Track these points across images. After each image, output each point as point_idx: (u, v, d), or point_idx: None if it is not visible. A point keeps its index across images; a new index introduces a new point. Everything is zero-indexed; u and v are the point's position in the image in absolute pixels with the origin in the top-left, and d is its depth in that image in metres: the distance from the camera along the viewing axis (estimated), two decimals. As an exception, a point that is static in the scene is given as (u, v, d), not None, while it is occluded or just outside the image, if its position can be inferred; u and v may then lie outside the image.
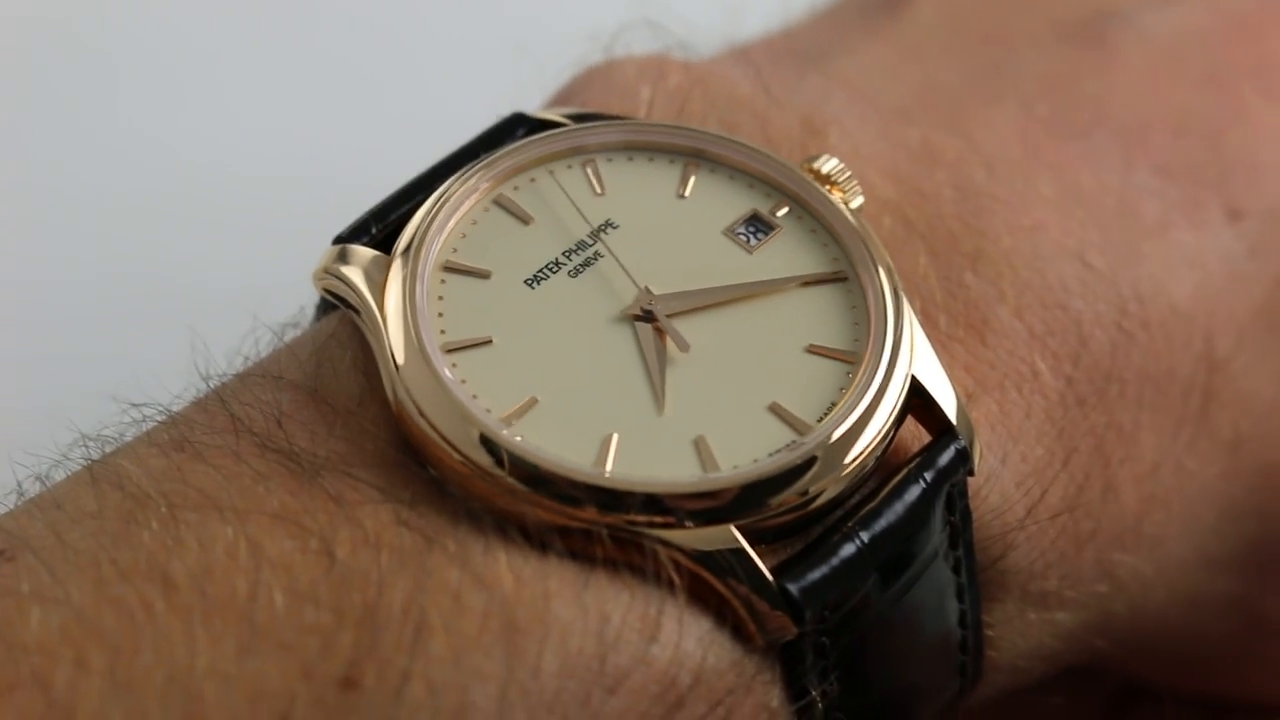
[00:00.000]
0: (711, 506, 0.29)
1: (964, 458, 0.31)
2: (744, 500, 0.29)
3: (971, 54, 0.37)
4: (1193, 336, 0.34)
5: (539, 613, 0.27)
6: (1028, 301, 0.33)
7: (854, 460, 0.30)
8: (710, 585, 0.29)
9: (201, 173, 0.54)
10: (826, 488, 0.29)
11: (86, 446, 0.30)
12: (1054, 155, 0.35)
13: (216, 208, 0.53)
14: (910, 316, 0.31)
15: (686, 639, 0.28)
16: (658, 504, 0.29)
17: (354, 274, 0.31)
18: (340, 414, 0.29)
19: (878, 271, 0.31)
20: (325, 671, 0.26)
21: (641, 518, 0.28)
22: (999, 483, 0.32)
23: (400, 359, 0.29)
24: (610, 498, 0.28)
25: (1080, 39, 0.38)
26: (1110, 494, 0.33)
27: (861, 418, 0.30)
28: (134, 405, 0.30)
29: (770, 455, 0.29)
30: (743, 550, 0.29)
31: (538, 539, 0.28)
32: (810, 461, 0.29)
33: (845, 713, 0.31)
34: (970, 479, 0.31)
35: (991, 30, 0.38)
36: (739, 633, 0.29)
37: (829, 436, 0.30)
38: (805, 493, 0.29)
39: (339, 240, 0.31)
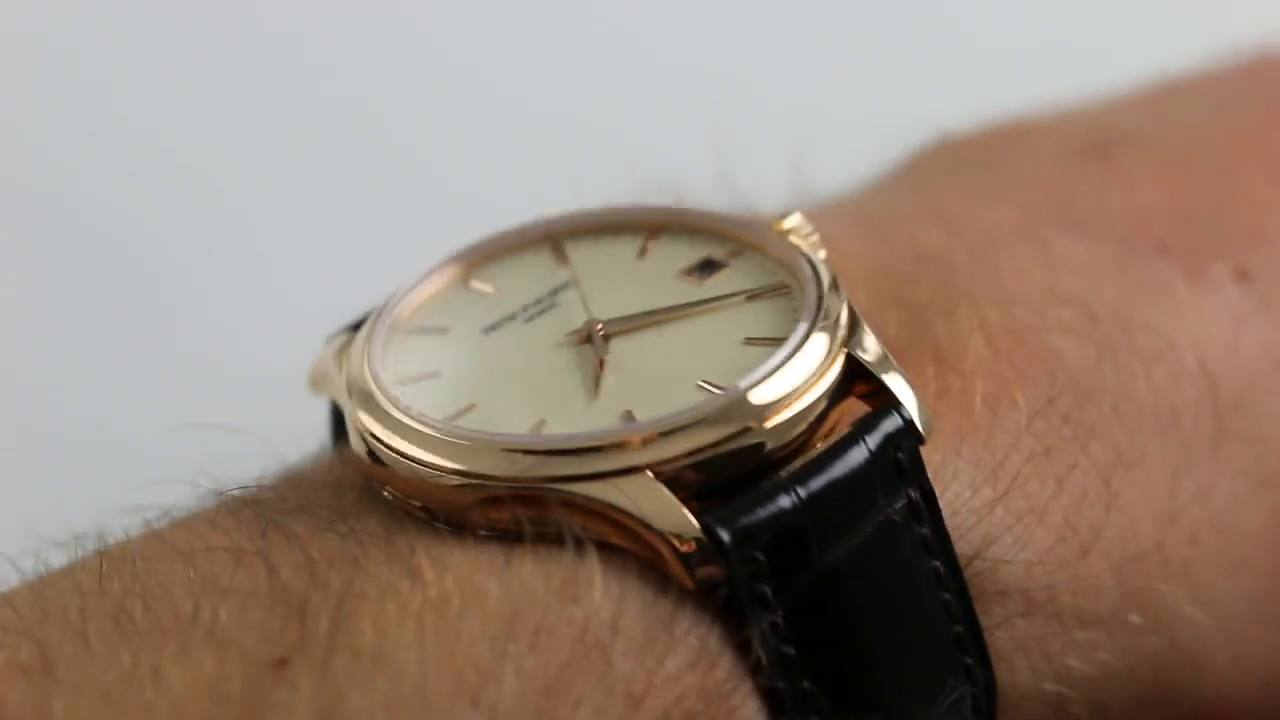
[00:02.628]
0: (625, 459, 0.29)
1: (912, 429, 0.31)
2: (658, 445, 0.29)
3: (971, 173, 0.39)
4: (1192, 375, 0.34)
5: (464, 594, 0.28)
6: (1006, 341, 0.33)
7: (773, 404, 0.30)
8: (632, 533, 0.29)
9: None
10: (744, 434, 0.29)
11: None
12: (1046, 235, 0.36)
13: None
14: (852, 307, 0.32)
15: (607, 596, 0.28)
16: (569, 457, 0.29)
17: (327, 352, 0.33)
18: (313, 481, 0.31)
19: (821, 279, 0.32)
20: (259, 656, 0.27)
21: (554, 474, 0.29)
22: (964, 473, 0.32)
23: (355, 401, 0.31)
24: (520, 459, 0.29)
25: (1085, 154, 0.38)
26: (1117, 513, 0.33)
27: (781, 366, 0.30)
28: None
29: (690, 408, 0.30)
30: (657, 489, 0.29)
31: (467, 529, 0.29)
32: (724, 406, 0.29)
33: (818, 683, 0.30)
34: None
35: (993, 160, 0.39)
36: (667, 585, 0.29)
37: (747, 388, 0.30)
38: (720, 436, 0.29)
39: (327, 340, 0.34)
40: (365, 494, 0.31)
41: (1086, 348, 0.34)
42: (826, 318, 0.31)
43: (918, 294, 0.34)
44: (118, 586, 0.28)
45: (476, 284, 0.34)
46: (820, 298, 0.31)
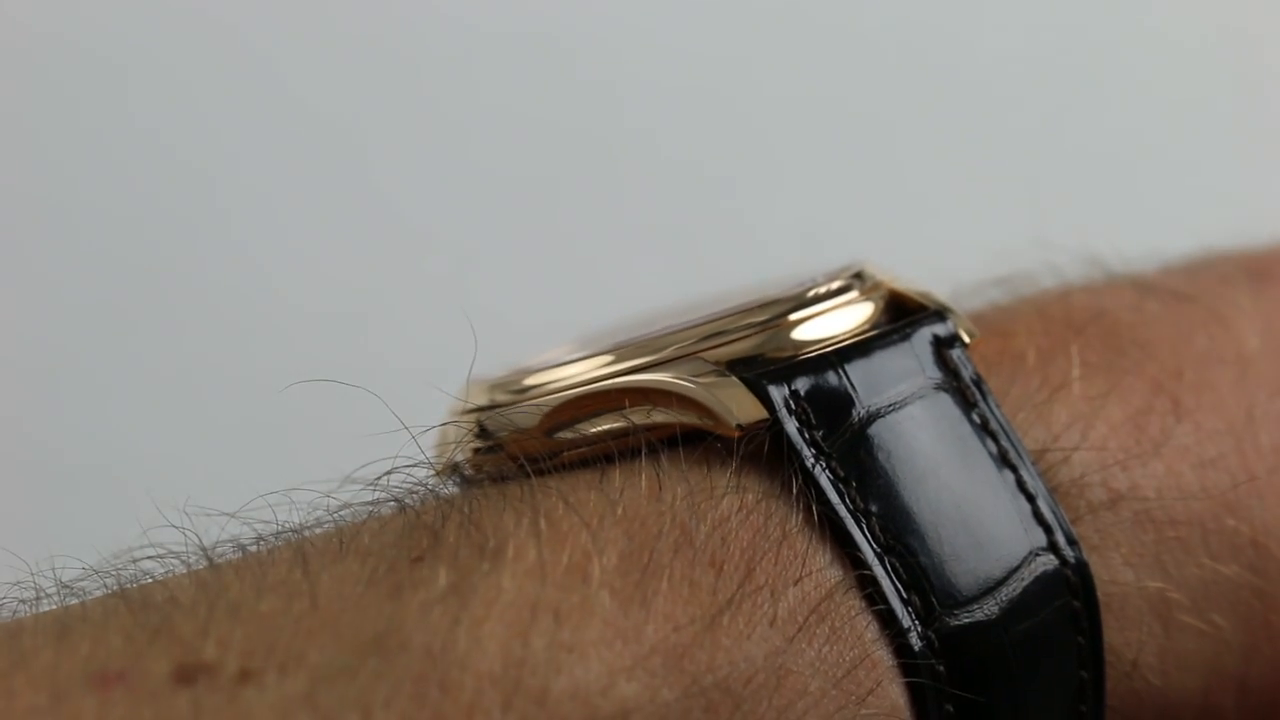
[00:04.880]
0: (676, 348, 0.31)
1: (955, 336, 0.32)
2: (702, 337, 0.31)
3: None
4: (1256, 333, 0.35)
5: (568, 502, 0.30)
6: (1058, 311, 0.35)
7: (808, 299, 0.32)
8: (688, 402, 0.31)
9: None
10: (783, 324, 0.32)
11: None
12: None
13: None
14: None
15: (685, 486, 0.30)
16: (640, 349, 0.32)
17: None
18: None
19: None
20: (399, 557, 0.29)
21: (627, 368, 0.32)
22: (1017, 390, 0.33)
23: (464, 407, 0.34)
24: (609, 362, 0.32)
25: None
26: (1188, 421, 0.33)
27: (820, 286, 0.32)
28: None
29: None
30: (701, 364, 0.31)
31: (563, 467, 0.31)
32: (764, 307, 0.32)
33: (883, 524, 0.30)
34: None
35: None
36: (729, 459, 0.30)
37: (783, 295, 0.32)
38: (760, 322, 0.31)
39: None
40: (472, 471, 0.33)
41: (1141, 308, 0.35)
42: (868, 271, 0.34)
43: (977, 304, 0.36)
44: (268, 533, 0.31)
45: None
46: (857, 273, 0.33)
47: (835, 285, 0.33)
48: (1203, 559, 0.33)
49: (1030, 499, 0.31)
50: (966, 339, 0.33)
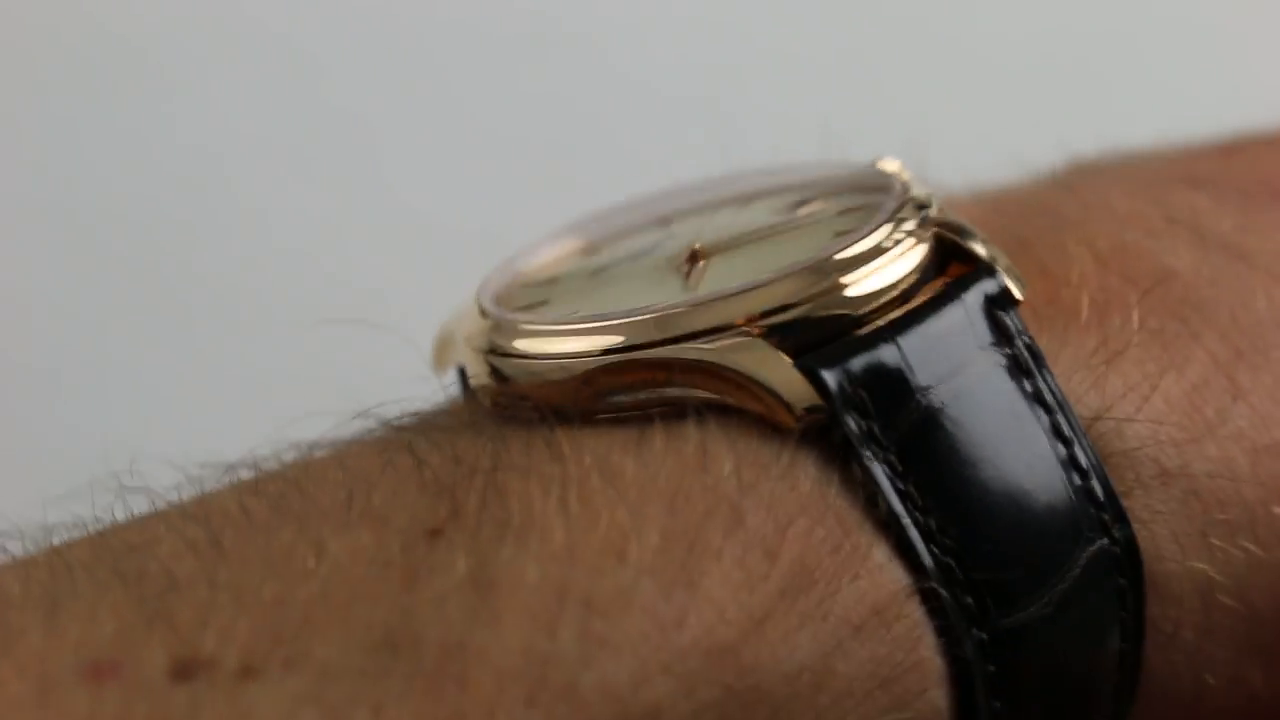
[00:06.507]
0: (717, 316, 0.30)
1: (1007, 294, 0.31)
2: (745, 299, 0.30)
3: (1094, 170, 0.38)
4: None
5: (601, 470, 0.28)
6: (1115, 259, 0.33)
7: (857, 258, 0.30)
8: (745, 390, 0.29)
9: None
10: (831, 291, 0.30)
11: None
12: (1162, 187, 0.36)
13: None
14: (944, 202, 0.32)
15: (732, 460, 0.28)
16: (668, 324, 0.30)
17: (444, 324, 0.34)
18: (442, 413, 0.32)
19: (910, 185, 0.32)
20: (414, 529, 0.27)
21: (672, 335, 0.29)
22: (1070, 351, 0.32)
23: (473, 335, 0.32)
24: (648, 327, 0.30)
25: (1211, 148, 0.38)
26: (1243, 403, 0.32)
27: (866, 235, 0.31)
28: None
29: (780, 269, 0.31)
30: (753, 342, 0.29)
31: (595, 417, 0.29)
32: (811, 264, 0.30)
33: (942, 519, 0.29)
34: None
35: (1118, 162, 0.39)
36: (786, 440, 0.29)
37: (833, 253, 0.30)
38: (807, 291, 0.30)
39: None
40: (494, 412, 0.31)
41: (1201, 265, 0.33)
42: (914, 199, 0.32)
43: (1026, 229, 0.34)
44: (273, 487, 0.29)
45: (589, 243, 0.35)
46: (906, 188, 0.32)
47: (891, 232, 0.31)
48: (1248, 544, 0.32)
49: (1084, 475, 0.30)
50: (1019, 295, 0.31)
